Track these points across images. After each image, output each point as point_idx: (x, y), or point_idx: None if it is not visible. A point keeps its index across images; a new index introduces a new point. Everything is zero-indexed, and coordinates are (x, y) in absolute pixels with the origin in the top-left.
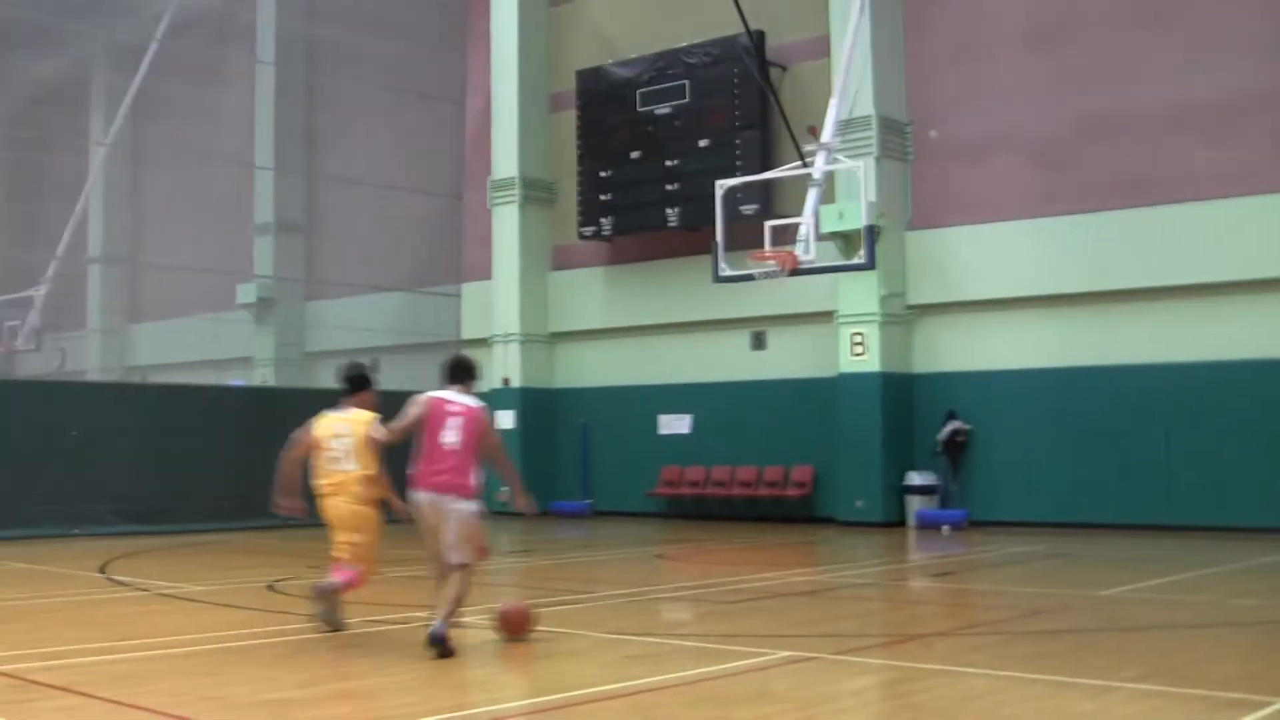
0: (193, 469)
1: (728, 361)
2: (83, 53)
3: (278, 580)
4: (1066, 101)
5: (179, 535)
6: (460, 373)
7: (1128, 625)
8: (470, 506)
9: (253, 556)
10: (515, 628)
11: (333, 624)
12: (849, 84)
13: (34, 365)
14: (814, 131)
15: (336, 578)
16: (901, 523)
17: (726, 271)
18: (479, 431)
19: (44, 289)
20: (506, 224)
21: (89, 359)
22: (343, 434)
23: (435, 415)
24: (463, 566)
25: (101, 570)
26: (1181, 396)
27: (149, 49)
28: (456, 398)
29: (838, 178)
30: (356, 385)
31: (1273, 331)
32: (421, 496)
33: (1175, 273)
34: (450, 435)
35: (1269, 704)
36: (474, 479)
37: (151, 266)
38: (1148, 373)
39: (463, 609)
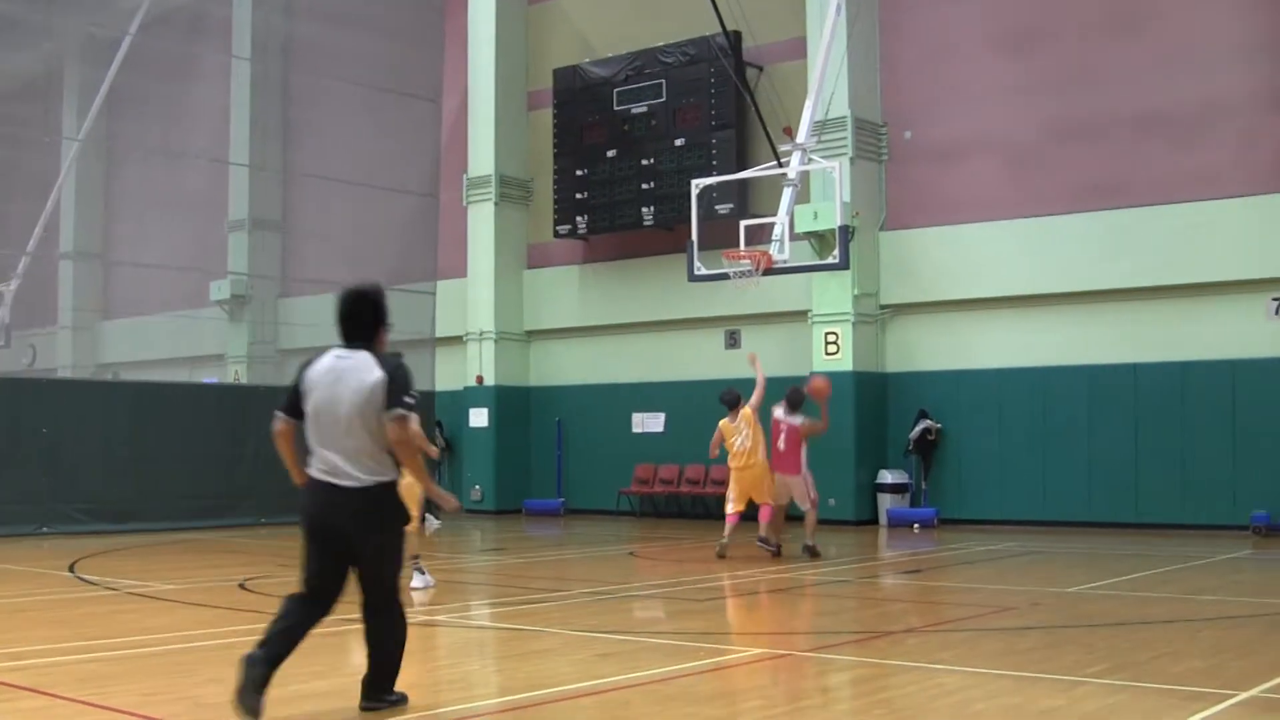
0: (165, 467)
1: (702, 360)
2: (54, 46)
3: (249, 579)
4: (1039, 105)
5: (150, 534)
6: (792, 400)
7: (1095, 621)
8: (797, 478)
9: (224, 555)
10: (820, 393)
11: (772, 545)
12: (825, 85)
13: (3, 362)
14: (789, 132)
15: (762, 517)
16: (873, 521)
17: (701, 270)
18: (795, 437)
19: (14, 285)
20: (482, 222)
21: (60, 356)
22: (742, 430)
23: (775, 428)
24: (810, 508)
25: (71, 569)
26: (1149, 396)
27: (122, 43)
28: (785, 417)
29: (813, 178)
30: (734, 404)
31: (1238, 332)
32: (776, 476)
33: (1143, 275)
34: (781, 441)
35: (1229, 696)
36: (799, 463)
37: (124, 263)
38: (1115, 373)
39: (816, 529)
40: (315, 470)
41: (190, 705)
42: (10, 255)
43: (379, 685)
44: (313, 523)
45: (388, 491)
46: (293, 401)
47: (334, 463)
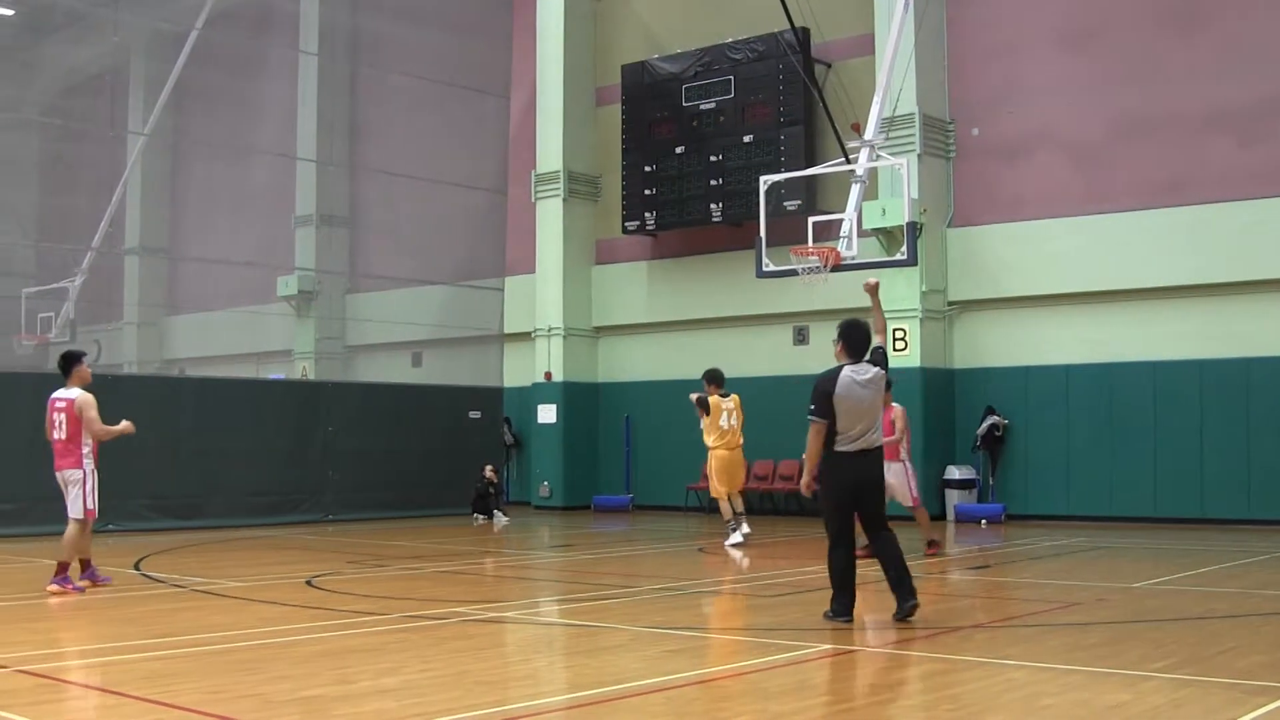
0: (231, 464)
1: (770, 356)
2: (120, 41)
3: (316, 576)
4: (1104, 101)
5: (216, 530)
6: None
7: (1160, 617)
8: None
9: (291, 552)
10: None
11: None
12: (892, 82)
13: None
14: (857, 128)
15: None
16: (941, 516)
17: (769, 267)
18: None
19: (79, 280)
20: (550, 218)
21: (125, 352)
22: None
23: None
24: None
25: (136, 566)
26: (1214, 392)
27: (188, 37)
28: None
29: (880, 174)
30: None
31: None
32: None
33: (1209, 271)
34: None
35: None
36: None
37: (190, 259)
38: (1181, 368)
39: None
40: (850, 447)
41: (258, 703)
42: (76, 251)
43: (909, 586)
44: (857, 480)
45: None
46: (827, 407)
47: (868, 438)
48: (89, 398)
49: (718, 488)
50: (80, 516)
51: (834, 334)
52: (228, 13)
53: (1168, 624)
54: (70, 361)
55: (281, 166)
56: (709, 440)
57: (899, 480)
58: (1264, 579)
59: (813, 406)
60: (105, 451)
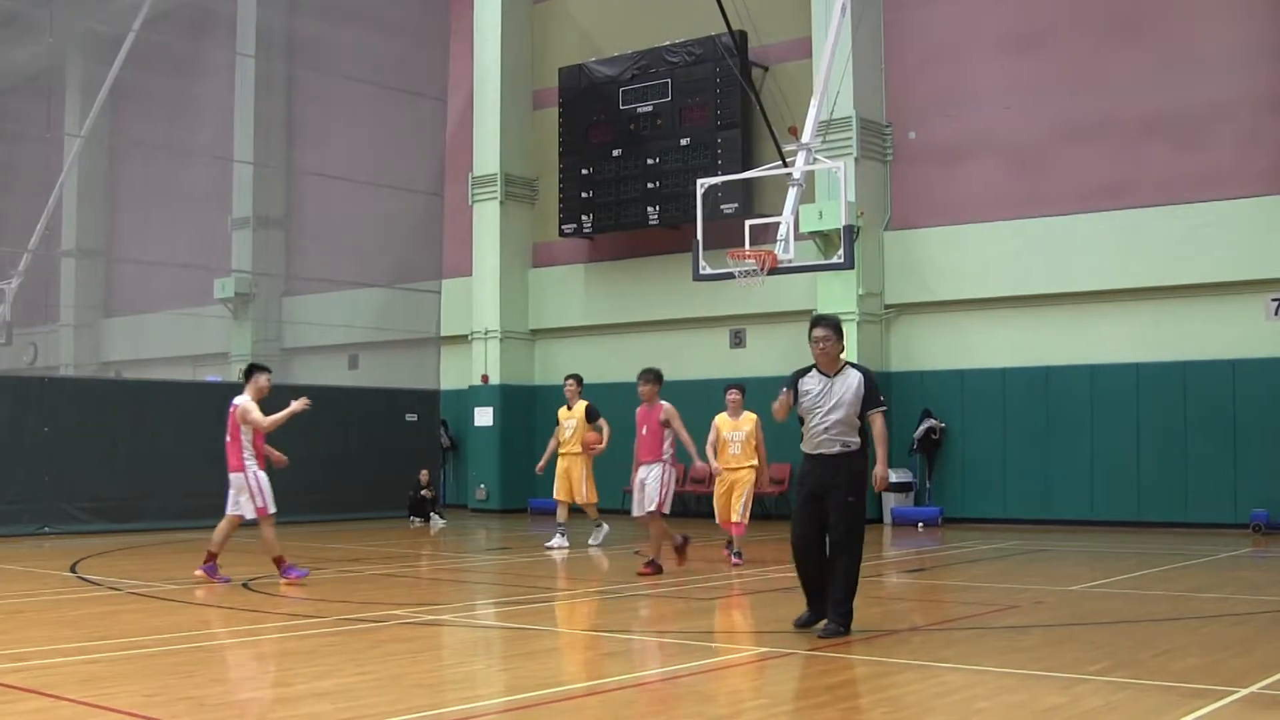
0: (168, 466)
1: (706, 359)
2: (56, 42)
3: (253, 579)
4: (1042, 106)
5: (153, 534)
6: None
7: (1097, 619)
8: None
9: (227, 555)
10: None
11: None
12: (829, 85)
13: (4, 360)
14: (794, 132)
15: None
16: (878, 520)
17: (706, 270)
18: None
19: (15, 282)
20: (487, 220)
21: (62, 354)
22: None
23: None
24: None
25: (73, 569)
26: (1151, 395)
27: (125, 39)
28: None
29: (817, 178)
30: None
31: (1238, 332)
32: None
33: (1145, 275)
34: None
35: (1229, 693)
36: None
37: (126, 261)
38: (1118, 372)
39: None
40: None
41: (193, 706)
42: (12, 252)
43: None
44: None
45: None
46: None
47: None
48: (248, 403)
49: (594, 494)
50: (253, 517)
51: (821, 330)
52: (165, 14)
53: (1104, 627)
54: (250, 372)
55: (218, 169)
56: (602, 447)
57: (655, 482)
58: (1200, 582)
59: (882, 398)
60: (41, 454)
